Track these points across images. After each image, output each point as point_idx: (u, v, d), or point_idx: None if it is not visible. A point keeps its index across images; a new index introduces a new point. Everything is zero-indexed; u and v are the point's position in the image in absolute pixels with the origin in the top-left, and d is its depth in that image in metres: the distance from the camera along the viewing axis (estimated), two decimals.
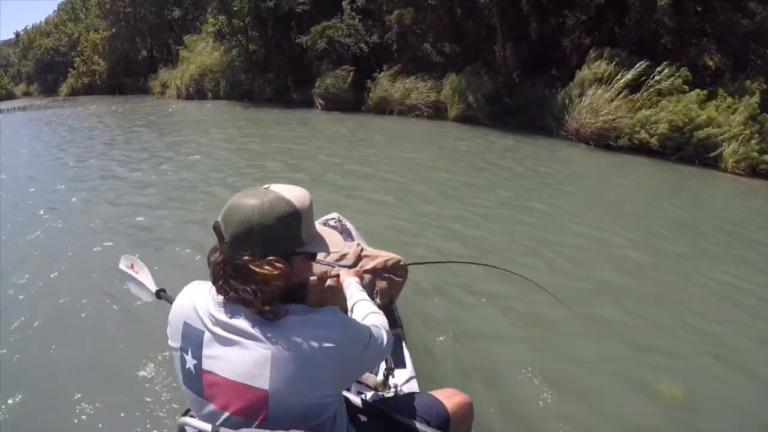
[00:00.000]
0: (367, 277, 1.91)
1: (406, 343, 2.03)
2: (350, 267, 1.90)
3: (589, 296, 3.34)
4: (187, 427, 1.00)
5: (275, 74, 17.73)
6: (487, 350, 2.66)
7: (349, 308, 1.38)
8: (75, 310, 3.02)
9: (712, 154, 8.31)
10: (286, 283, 0.93)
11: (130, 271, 1.87)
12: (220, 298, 0.96)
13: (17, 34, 48.08)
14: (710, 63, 11.01)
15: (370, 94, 13.84)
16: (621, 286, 3.55)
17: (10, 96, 39.01)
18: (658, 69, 9.27)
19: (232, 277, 0.93)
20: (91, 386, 2.29)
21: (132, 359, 2.45)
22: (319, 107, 14.91)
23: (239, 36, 18.37)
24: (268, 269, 0.92)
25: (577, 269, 3.77)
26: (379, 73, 13.90)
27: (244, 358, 0.92)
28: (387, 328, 1.20)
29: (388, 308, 2.02)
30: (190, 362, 0.98)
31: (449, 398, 1.40)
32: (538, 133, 10.60)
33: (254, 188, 0.99)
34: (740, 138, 8.11)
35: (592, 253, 4.14)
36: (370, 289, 1.92)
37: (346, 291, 1.48)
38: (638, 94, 9.34)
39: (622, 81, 9.53)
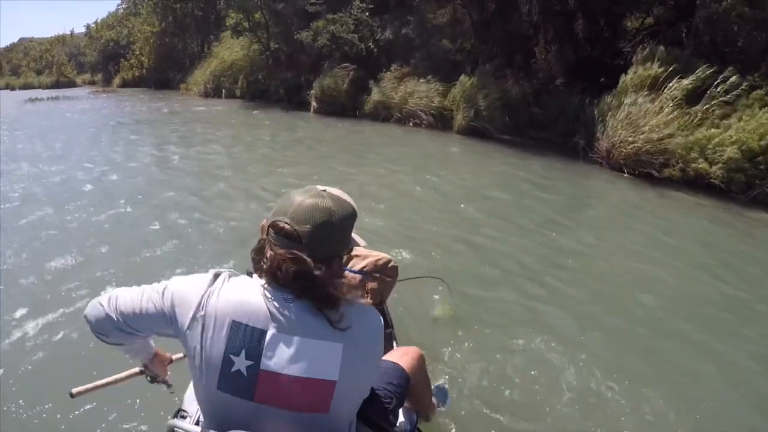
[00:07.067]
0: (358, 277, 1.97)
1: (396, 343, 1.99)
2: None
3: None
4: (176, 430, 1.01)
5: (294, 73, 16.48)
6: (481, 349, 2.54)
7: None
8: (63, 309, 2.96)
9: None
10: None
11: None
12: (285, 295, 0.95)
13: (87, 26, 50.81)
14: None
15: (368, 98, 12.11)
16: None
17: (71, 84, 41.16)
18: (724, 75, 6.91)
19: (314, 278, 0.93)
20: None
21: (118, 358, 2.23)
22: (312, 110, 13.48)
23: (259, 32, 17.28)
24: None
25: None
26: (385, 72, 12.11)
27: (316, 352, 0.93)
28: None
29: (378, 308, 2.00)
30: (242, 364, 0.93)
31: (403, 356, 1.53)
32: (563, 153, 8.46)
33: (314, 189, 1.00)
34: None
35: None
36: (360, 290, 1.99)
37: None
38: (698, 107, 7.04)
39: (678, 88, 7.22)
